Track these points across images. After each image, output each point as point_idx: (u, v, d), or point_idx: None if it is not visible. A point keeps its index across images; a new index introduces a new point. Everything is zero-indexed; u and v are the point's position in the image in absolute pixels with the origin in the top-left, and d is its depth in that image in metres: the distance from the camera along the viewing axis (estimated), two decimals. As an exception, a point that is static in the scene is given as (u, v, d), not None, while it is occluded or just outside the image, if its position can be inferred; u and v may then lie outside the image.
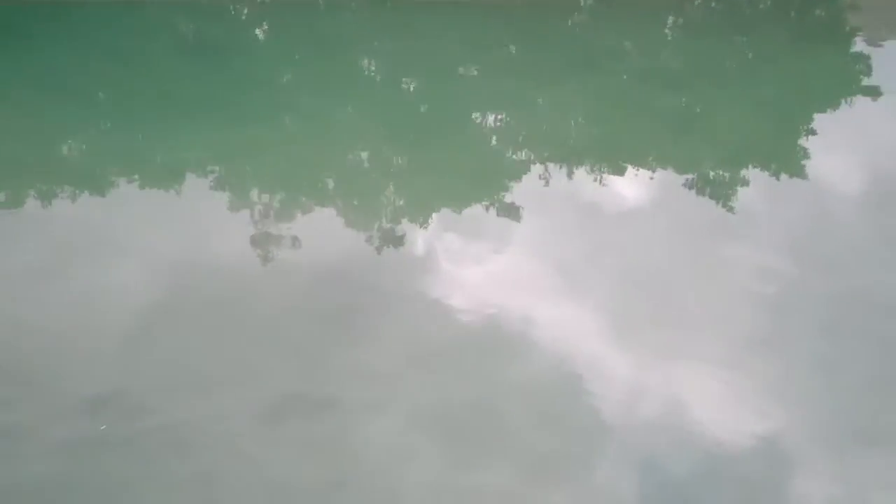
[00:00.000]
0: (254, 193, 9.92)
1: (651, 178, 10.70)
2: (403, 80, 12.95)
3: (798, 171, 11.02)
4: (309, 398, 6.82)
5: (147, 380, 6.94)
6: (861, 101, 13.25)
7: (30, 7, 15.10)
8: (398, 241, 9.10)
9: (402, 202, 10.01)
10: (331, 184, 10.31)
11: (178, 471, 6.14)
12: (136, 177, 10.11)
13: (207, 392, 6.83)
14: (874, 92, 13.39)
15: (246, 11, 16.64)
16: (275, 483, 6.14)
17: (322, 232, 9.23)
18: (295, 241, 8.97)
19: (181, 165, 10.41)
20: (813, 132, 12.11)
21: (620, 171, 10.74)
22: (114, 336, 7.39)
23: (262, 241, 8.94)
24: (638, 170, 10.80)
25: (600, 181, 10.54)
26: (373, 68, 13.52)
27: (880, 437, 6.97)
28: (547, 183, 10.50)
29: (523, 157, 11.07)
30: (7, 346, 7.20)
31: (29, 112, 11.51)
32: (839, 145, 11.79)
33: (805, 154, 11.49)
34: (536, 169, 10.74)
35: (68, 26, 14.82)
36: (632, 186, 10.47)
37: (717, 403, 7.16)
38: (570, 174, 10.70)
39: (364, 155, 10.94)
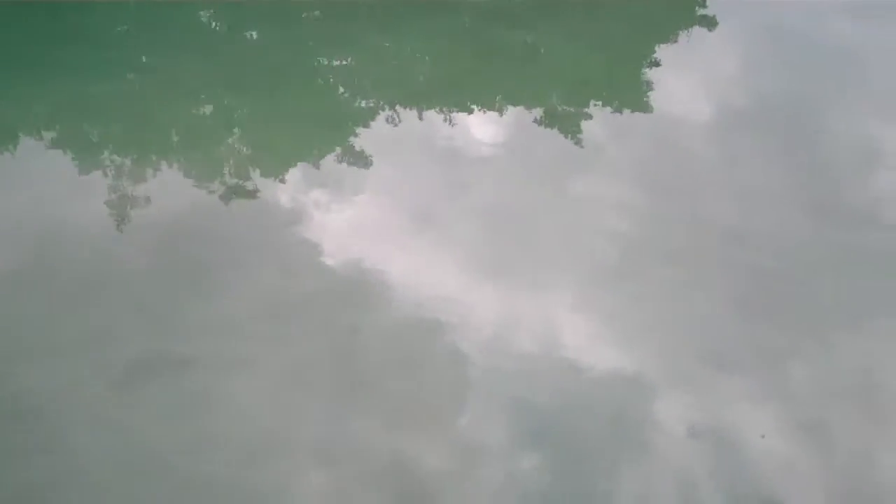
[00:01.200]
0: (95, 152, 9.58)
1: (501, 117, 10.79)
2: (244, 28, 12.64)
3: (642, 104, 11.28)
4: (166, 357, 6.70)
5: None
6: (699, 32, 13.61)
7: None
8: (249, 193, 8.95)
9: (250, 153, 9.81)
10: (175, 138, 10.02)
11: (28, 442, 5.97)
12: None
13: (58, 359, 6.62)
14: (711, 22, 13.77)
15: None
16: (139, 446, 6.04)
17: (170, 188, 9.00)
18: (141, 198, 8.73)
19: (15, 123, 9.95)
20: (655, 64, 12.40)
21: (470, 111, 10.79)
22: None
23: (107, 200, 8.66)
24: (487, 109, 10.87)
25: (450, 122, 10.56)
26: (212, 19, 13.13)
27: (731, 359, 7.29)
28: (397, 126, 10.46)
29: (371, 102, 10.98)
30: None
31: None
32: (680, 76, 12.10)
33: (648, 86, 11.77)
34: (386, 113, 10.68)
35: None
36: (482, 126, 10.54)
37: (578, 337, 7.35)
38: (419, 116, 10.69)
39: (208, 107, 10.67)
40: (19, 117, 10.07)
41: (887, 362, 7.43)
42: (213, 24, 12.92)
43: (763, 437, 6.60)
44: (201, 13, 13.08)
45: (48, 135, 9.87)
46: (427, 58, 12.35)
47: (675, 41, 13.34)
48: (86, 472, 5.85)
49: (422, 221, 8.66)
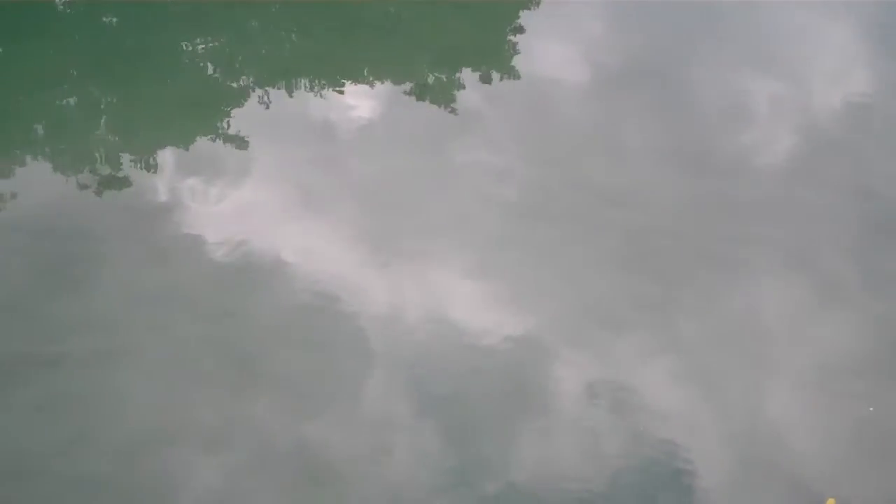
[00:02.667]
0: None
1: (370, 90, 10.69)
2: (101, 14, 12.19)
3: (511, 70, 11.29)
4: (34, 357, 6.50)
5: None
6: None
7: None
8: (115, 183, 8.71)
9: (115, 141, 9.51)
10: (37, 130, 9.63)
11: None
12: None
13: None
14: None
15: None
16: (10, 449, 5.83)
17: (30, 183, 8.66)
18: (3, 193, 8.37)
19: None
20: (519, 30, 12.41)
21: (340, 87, 10.65)
22: None
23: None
24: (356, 83, 10.75)
25: (321, 98, 10.42)
26: (67, 6, 12.64)
27: (616, 315, 7.42)
28: (268, 107, 10.27)
29: (240, 83, 10.75)
30: None
31: None
32: (546, 39, 12.15)
33: (515, 51, 11.79)
34: (255, 93, 10.48)
35: None
36: (353, 100, 10.44)
37: (466, 304, 7.43)
38: (289, 95, 10.51)
39: (69, 97, 10.26)
40: None
41: (763, 304, 7.68)
42: (69, 10, 12.43)
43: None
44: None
45: None
46: (292, 35, 12.11)
47: (538, 5, 13.31)
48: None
49: (300, 200, 8.60)
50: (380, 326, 7.11)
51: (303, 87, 10.64)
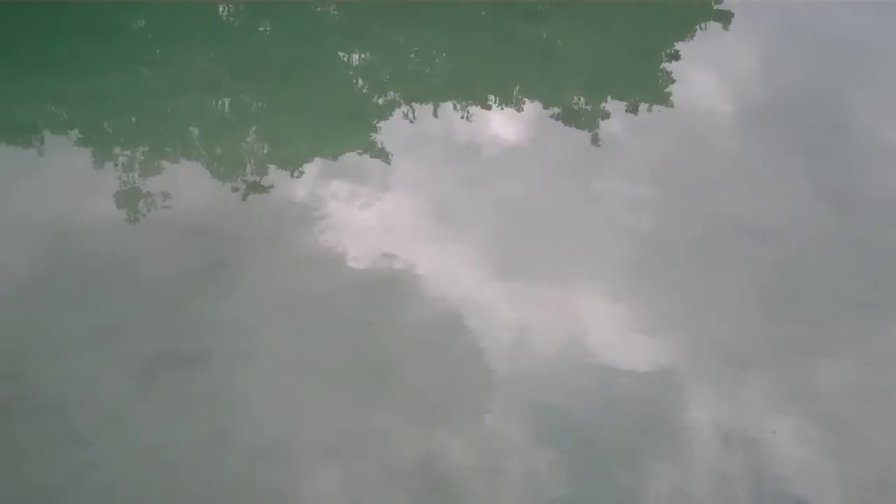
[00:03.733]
0: (109, 149, 9.53)
1: (518, 112, 10.71)
2: (257, 20, 12.56)
3: (660, 99, 11.18)
4: (180, 354, 6.68)
5: (5, 345, 6.64)
6: (714, 27, 13.49)
7: None
8: (264, 188, 8.91)
9: (266, 148, 9.77)
10: (192, 133, 9.97)
11: (50, 435, 5.94)
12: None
13: (74, 355, 6.62)
14: (725, 17, 13.65)
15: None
16: (153, 442, 6.03)
17: (185, 184, 8.95)
18: (157, 195, 8.69)
19: (28, 120, 9.91)
20: (673, 58, 12.29)
21: (487, 106, 10.72)
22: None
23: (120, 197, 8.63)
24: (504, 104, 10.79)
25: (468, 117, 10.49)
26: (224, 9, 13.06)
27: (754, 356, 7.21)
28: (414, 121, 10.39)
29: (388, 97, 10.92)
30: None
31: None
32: (698, 71, 12.01)
33: (666, 80, 11.67)
34: (402, 108, 10.62)
35: None
36: (499, 121, 10.48)
37: (600, 332, 7.31)
38: (436, 112, 10.62)
39: (223, 102, 10.60)
40: (31, 112, 10.01)
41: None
42: (229, 18, 12.85)
43: (774, 432, 6.53)
44: (215, 8, 13.00)
45: (62, 130, 9.84)
46: (443, 52, 12.24)
47: (692, 36, 13.22)
48: (99, 468, 5.84)
49: (440, 217, 8.61)
50: (511, 347, 7.07)
51: (450, 105, 10.73)
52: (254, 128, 10.06)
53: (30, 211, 8.24)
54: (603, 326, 7.36)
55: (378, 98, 10.95)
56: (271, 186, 8.91)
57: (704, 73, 11.97)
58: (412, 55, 12.23)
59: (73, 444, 5.93)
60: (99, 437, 6.01)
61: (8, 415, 6.09)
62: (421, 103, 10.70)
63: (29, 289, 7.27)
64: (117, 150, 9.43)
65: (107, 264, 7.65)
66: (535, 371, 6.86)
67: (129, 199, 8.62)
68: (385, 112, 10.54)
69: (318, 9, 13.27)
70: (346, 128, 10.18)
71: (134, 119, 10.12)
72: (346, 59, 11.77)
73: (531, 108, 10.87)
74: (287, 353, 6.80)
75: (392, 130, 10.14)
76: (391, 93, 11.04)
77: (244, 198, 8.72)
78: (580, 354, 7.05)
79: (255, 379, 6.52)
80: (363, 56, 11.87)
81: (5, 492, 5.63)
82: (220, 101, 10.55)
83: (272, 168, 9.23)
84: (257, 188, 8.88)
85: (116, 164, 9.19)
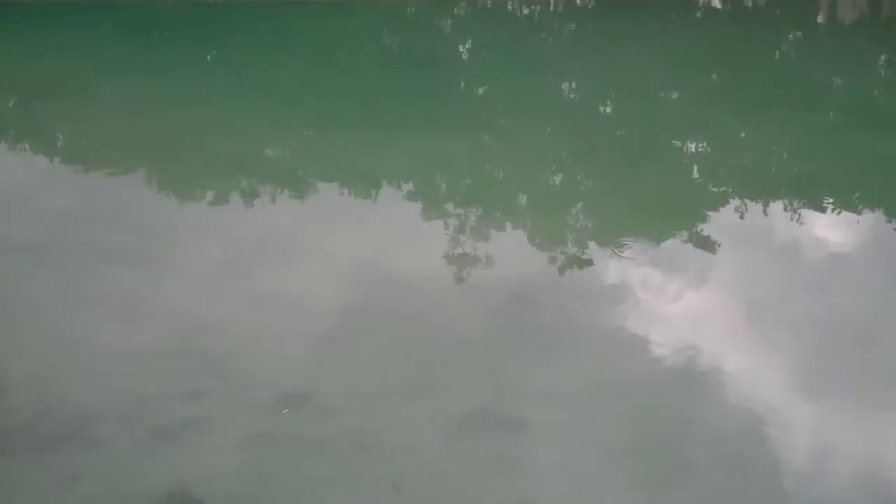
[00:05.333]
0: (445, 207, 9.93)
1: (857, 222, 10.14)
2: (603, 99, 12.77)
3: None
4: (495, 416, 6.69)
5: (335, 383, 6.96)
6: None
7: (243, 5, 15.71)
8: (587, 265, 8.91)
9: (591, 226, 9.82)
10: (521, 202, 10.21)
11: (365, 474, 6.12)
12: (330, 181, 10.27)
13: (395, 400, 6.80)
14: None
15: (449, 23, 16.93)
16: (459, 496, 6.04)
17: (509, 251, 9.13)
18: (482, 258, 8.90)
19: (374, 172, 10.52)
20: None
21: (823, 211, 10.25)
22: (302, 338, 7.46)
23: (451, 256, 8.91)
24: (842, 212, 10.27)
25: (800, 220, 10.06)
26: (575, 85, 13.40)
27: None
28: (742, 217, 10.10)
29: (719, 188, 10.70)
30: (196, 343, 7.30)
31: (231, 110, 11.90)
32: None
33: None
34: (733, 202, 10.35)
35: (275, 25, 15.36)
36: (834, 229, 9.95)
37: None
38: (767, 210, 10.26)
39: (556, 176, 10.80)
40: (386, 169, 10.59)
41: None
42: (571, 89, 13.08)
43: None
44: (563, 77, 13.30)
45: (402, 187, 10.34)
46: (784, 152, 11.89)
47: None
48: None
49: (762, 320, 8.20)
50: (812, 466, 6.55)
51: (784, 205, 10.38)
52: (582, 206, 10.16)
53: (364, 258, 8.67)
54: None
55: (709, 186, 10.77)
56: (594, 266, 8.90)
57: None
58: (750, 150, 11.94)
59: (382, 484, 6.06)
60: (408, 481, 6.12)
61: (335, 448, 6.34)
62: (754, 200, 10.41)
63: (355, 333, 7.60)
64: (448, 208, 9.81)
65: (430, 318, 7.90)
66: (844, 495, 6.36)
67: (456, 257, 8.90)
68: (715, 204, 10.32)
69: (661, 94, 13.33)
70: (673, 216, 10.06)
71: (469, 181, 10.51)
72: (681, 147, 11.70)
73: (870, 219, 10.28)
74: (597, 431, 6.69)
75: (719, 224, 9.89)
76: (723, 184, 10.82)
77: (564, 271, 8.78)
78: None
79: (565, 455, 6.46)
80: (700, 146, 11.74)
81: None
82: (550, 176, 10.76)
83: (595, 248, 9.23)
84: (580, 264, 8.91)
85: (447, 223, 9.54)
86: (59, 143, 11.51)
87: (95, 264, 8.19)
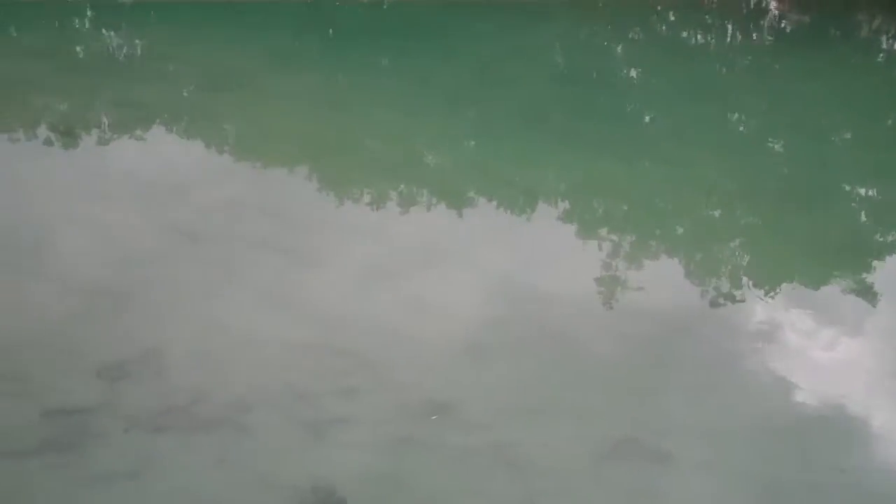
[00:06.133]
0: (601, 228, 9.85)
1: None
2: (773, 135, 12.44)
3: None
4: (641, 445, 6.57)
5: (482, 395, 6.95)
6: None
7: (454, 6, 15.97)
8: (743, 302, 8.68)
9: (750, 263, 9.55)
10: (679, 232, 10.03)
11: (504, 489, 6.09)
12: (489, 193, 10.29)
13: (540, 419, 6.75)
14: None
15: (623, 46, 16.86)
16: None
17: (663, 279, 9.00)
18: (636, 283, 8.77)
19: (532, 187, 10.51)
20: None
21: None
22: (452, 347, 7.50)
23: (604, 278, 8.82)
24: None
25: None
26: (745, 118, 13.12)
27: None
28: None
29: (888, 238, 10.26)
30: (348, 341, 7.40)
31: (398, 114, 12.09)
32: None
33: None
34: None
35: (451, 31, 15.59)
36: None
37: None
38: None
39: (716, 209, 10.57)
40: (545, 186, 10.56)
41: None
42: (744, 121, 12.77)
43: None
44: (737, 109, 13.01)
45: (560, 206, 10.29)
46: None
47: None
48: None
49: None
50: None
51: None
52: (741, 243, 9.90)
53: (519, 274, 8.63)
54: None
55: (881, 236, 10.36)
56: (747, 300, 8.68)
57: None
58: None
59: (520, 502, 6.03)
60: (546, 502, 6.08)
61: (477, 460, 6.31)
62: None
63: (504, 348, 7.57)
64: (603, 230, 9.71)
65: (580, 338, 7.81)
66: None
67: (609, 280, 8.80)
68: (883, 252, 9.93)
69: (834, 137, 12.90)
70: (835, 260, 9.70)
71: (626, 205, 10.39)
72: (852, 190, 11.26)
73: None
74: (749, 474, 6.49)
75: (885, 272, 9.50)
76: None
77: (719, 306, 8.58)
78: None
79: (711, 494, 6.29)
80: (873, 191, 11.26)
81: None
82: (710, 210, 10.53)
83: (752, 288, 8.96)
84: (735, 299, 8.70)
85: (602, 245, 9.45)
86: (230, 133, 11.84)
87: (256, 255, 8.39)
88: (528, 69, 14.99)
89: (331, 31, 16.11)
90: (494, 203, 10.16)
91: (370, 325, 7.60)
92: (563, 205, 10.34)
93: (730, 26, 20.15)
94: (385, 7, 18.53)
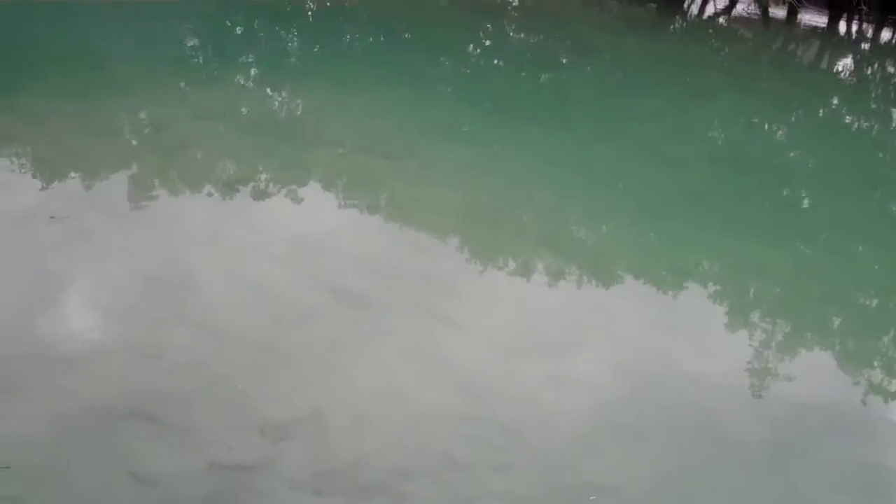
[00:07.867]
0: (751, 315, 9.66)
1: None
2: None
3: None
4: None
5: (639, 478, 6.88)
6: None
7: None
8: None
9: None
10: (835, 325, 9.75)
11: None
12: (637, 271, 10.18)
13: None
14: None
15: (786, 128, 16.66)
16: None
17: (816, 373, 8.83)
18: (786, 375, 8.59)
19: (683, 268, 10.38)
20: None
21: None
22: (606, 428, 7.44)
23: (754, 368, 8.65)
24: None
25: None
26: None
27: None
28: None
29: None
30: (498, 413, 7.37)
31: (554, 187, 12.13)
32: None
33: None
34: None
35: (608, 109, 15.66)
36: None
37: None
38: None
39: (873, 299, 10.22)
40: (693, 265, 10.45)
41: None
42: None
43: None
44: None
45: (711, 288, 10.17)
46: None
47: None
48: None
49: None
50: None
51: None
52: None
53: (658, 351, 8.57)
54: None
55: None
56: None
57: None
58: None
59: None
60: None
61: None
62: None
63: (654, 427, 7.50)
64: (754, 316, 9.59)
65: (728, 425, 7.67)
66: None
67: (758, 370, 8.65)
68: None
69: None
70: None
71: (779, 289, 10.16)
72: None
73: None
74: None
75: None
76: None
77: (872, 404, 8.31)
78: None
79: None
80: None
81: None
82: (871, 297, 10.19)
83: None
84: (887, 396, 8.39)
85: (752, 333, 9.30)
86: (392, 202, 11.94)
87: (415, 322, 8.47)
88: (688, 146, 14.83)
89: (488, 104, 16.27)
90: (642, 281, 10.05)
91: (526, 399, 7.59)
92: (714, 287, 10.16)
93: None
94: (542, 81, 18.67)
